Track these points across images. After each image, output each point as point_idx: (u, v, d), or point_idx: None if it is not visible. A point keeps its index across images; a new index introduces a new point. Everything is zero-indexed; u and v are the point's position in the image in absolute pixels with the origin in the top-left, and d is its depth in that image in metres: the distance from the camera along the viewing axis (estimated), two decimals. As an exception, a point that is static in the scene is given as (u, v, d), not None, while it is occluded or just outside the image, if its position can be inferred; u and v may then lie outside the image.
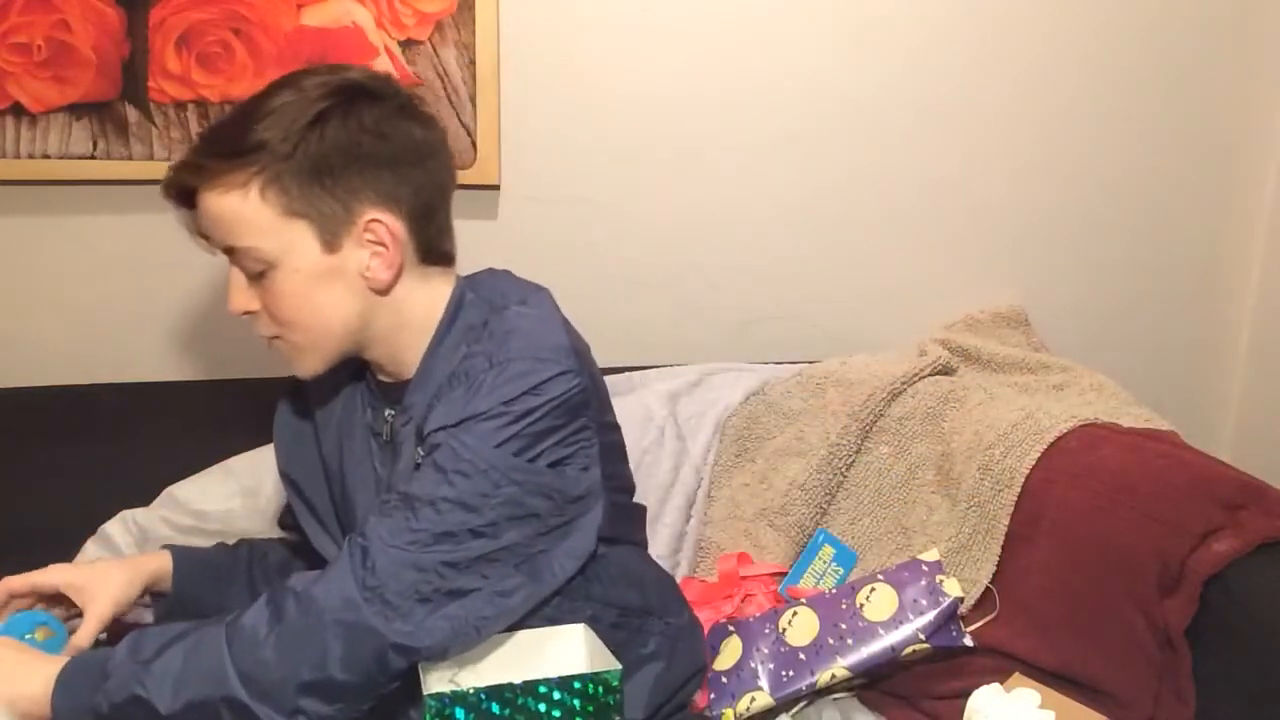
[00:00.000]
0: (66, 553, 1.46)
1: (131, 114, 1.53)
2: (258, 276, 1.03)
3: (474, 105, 1.58)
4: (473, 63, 1.56)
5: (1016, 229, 1.79)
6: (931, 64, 1.70)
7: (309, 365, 1.08)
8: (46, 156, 1.53)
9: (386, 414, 1.13)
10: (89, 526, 1.48)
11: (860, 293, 1.77)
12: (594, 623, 1.09)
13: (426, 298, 1.09)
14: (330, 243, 1.02)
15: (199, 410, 1.57)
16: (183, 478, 1.52)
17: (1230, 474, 1.30)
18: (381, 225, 1.03)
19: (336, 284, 1.04)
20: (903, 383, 1.56)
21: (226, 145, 1.00)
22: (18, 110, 1.51)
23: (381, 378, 1.14)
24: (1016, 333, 1.76)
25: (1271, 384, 1.86)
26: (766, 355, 1.74)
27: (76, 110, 1.52)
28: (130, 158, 1.54)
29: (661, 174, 1.69)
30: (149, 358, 1.62)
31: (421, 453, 1.02)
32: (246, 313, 1.06)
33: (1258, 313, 1.88)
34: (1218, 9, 1.75)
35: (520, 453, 0.99)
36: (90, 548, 1.46)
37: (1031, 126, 1.75)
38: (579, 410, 1.03)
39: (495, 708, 0.88)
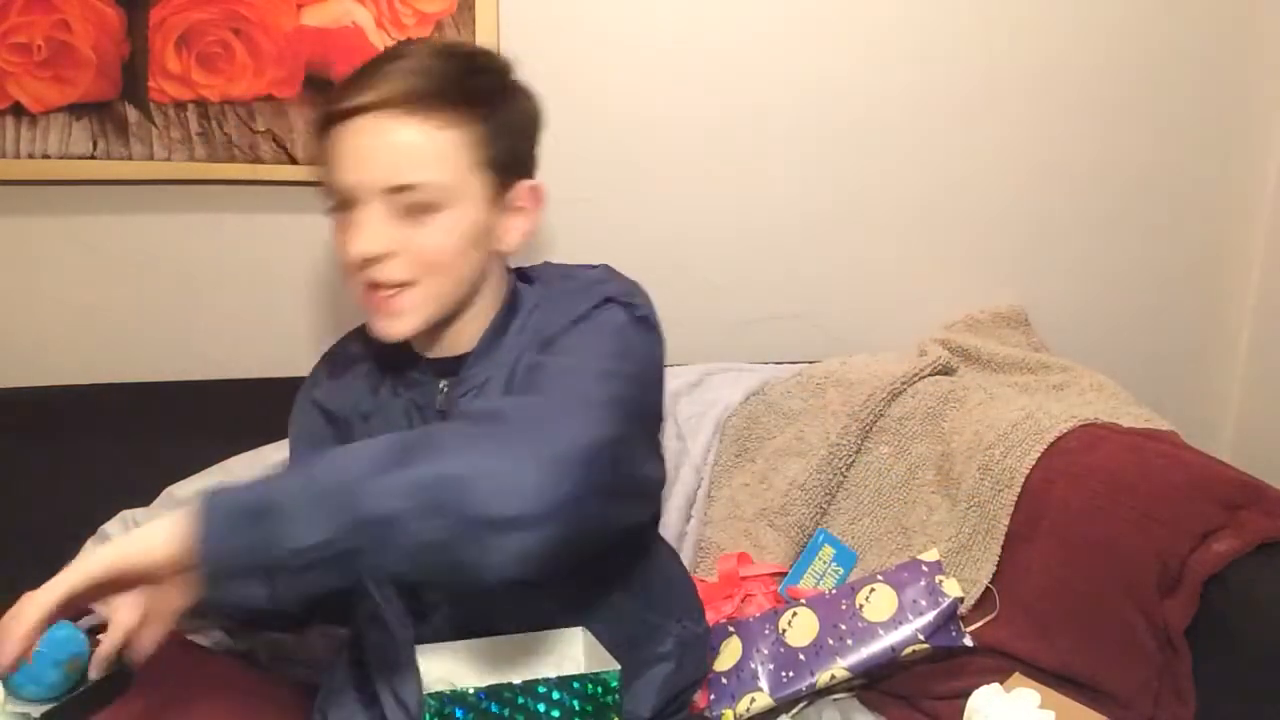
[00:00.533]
0: (66, 552, 1.46)
1: (131, 114, 1.53)
2: (416, 215, 1.01)
3: (474, 105, 1.58)
4: (473, 63, 1.56)
5: (1017, 229, 1.79)
6: (931, 67, 1.70)
7: (419, 318, 1.05)
8: (46, 156, 1.53)
9: (440, 386, 1.11)
10: (89, 526, 1.48)
11: (860, 293, 1.77)
12: (617, 607, 1.11)
13: (504, 272, 1.14)
14: (497, 200, 1.06)
15: (199, 410, 1.57)
16: (183, 478, 1.52)
17: (1230, 474, 1.30)
18: (539, 191, 1.10)
19: (483, 240, 1.07)
20: (903, 383, 1.56)
21: (459, 86, 1.02)
22: (18, 110, 1.51)
23: (429, 354, 1.13)
24: (1016, 333, 1.76)
25: (1271, 384, 1.86)
26: (766, 355, 1.74)
27: (76, 110, 1.52)
28: (130, 158, 1.54)
29: (661, 174, 1.68)
30: (149, 358, 1.62)
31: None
32: (373, 258, 1.02)
33: (1258, 313, 1.88)
34: (1217, 11, 1.75)
35: (631, 330, 1.05)
36: (90, 548, 1.46)
37: (1031, 128, 1.75)
38: (659, 338, 1.10)
39: (494, 707, 0.88)
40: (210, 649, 1.35)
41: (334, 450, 0.88)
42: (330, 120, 1.01)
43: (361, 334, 1.19)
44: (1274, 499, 1.25)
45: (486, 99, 1.04)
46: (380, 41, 1.54)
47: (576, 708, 0.89)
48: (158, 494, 1.51)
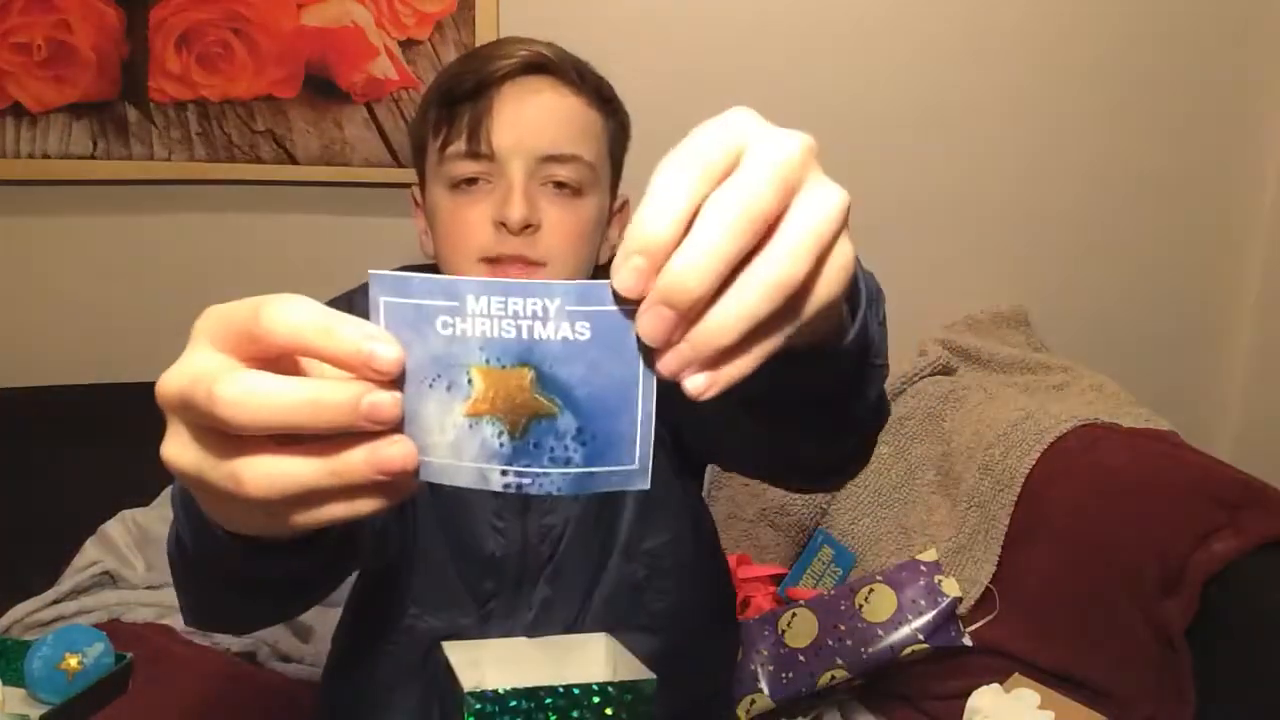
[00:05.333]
0: (66, 553, 1.46)
1: (131, 114, 1.53)
2: (560, 194, 0.95)
3: (474, 105, 1.58)
4: (473, 63, 1.56)
5: (1017, 229, 1.79)
6: (933, 66, 1.70)
7: None
8: (46, 156, 1.53)
9: None
10: (89, 526, 1.48)
11: (860, 293, 1.77)
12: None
13: None
14: (609, 203, 1.02)
15: (199, 410, 1.57)
16: (183, 478, 1.52)
17: (1230, 474, 1.30)
18: (629, 210, 1.04)
19: (596, 241, 1.01)
20: (903, 383, 1.56)
21: (596, 77, 1.01)
22: (18, 110, 1.51)
23: None
24: (1016, 333, 1.76)
25: (1271, 384, 1.86)
26: (766, 355, 1.74)
27: (76, 110, 1.52)
28: (130, 158, 1.54)
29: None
30: (149, 358, 1.62)
31: None
32: (528, 225, 0.94)
33: (1258, 313, 1.88)
34: (1217, 12, 1.75)
35: None
36: (90, 548, 1.46)
37: (1032, 128, 1.75)
38: None
39: (534, 709, 0.87)
40: (210, 648, 1.35)
41: None
42: (484, 82, 0.94)
43: None
44: (1274, 499, 1.25)
45: (612, 97, 1.02)
46: (380, 41, 1.54)
47: (611, 714, 0.88)
48: (158, 494, 1.51)
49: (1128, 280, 1.85)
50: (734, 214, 0.41)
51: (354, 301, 1.05)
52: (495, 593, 0.98)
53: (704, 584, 1.06)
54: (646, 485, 0.45)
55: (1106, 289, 1.84)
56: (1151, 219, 1.83)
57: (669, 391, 0.44)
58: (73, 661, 1.18)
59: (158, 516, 1.49)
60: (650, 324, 0.41)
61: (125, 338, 1.62)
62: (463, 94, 0.94)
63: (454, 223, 0.95)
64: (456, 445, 0.45)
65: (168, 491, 1.51)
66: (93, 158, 1.54)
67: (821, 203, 0.44)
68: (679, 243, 0.41)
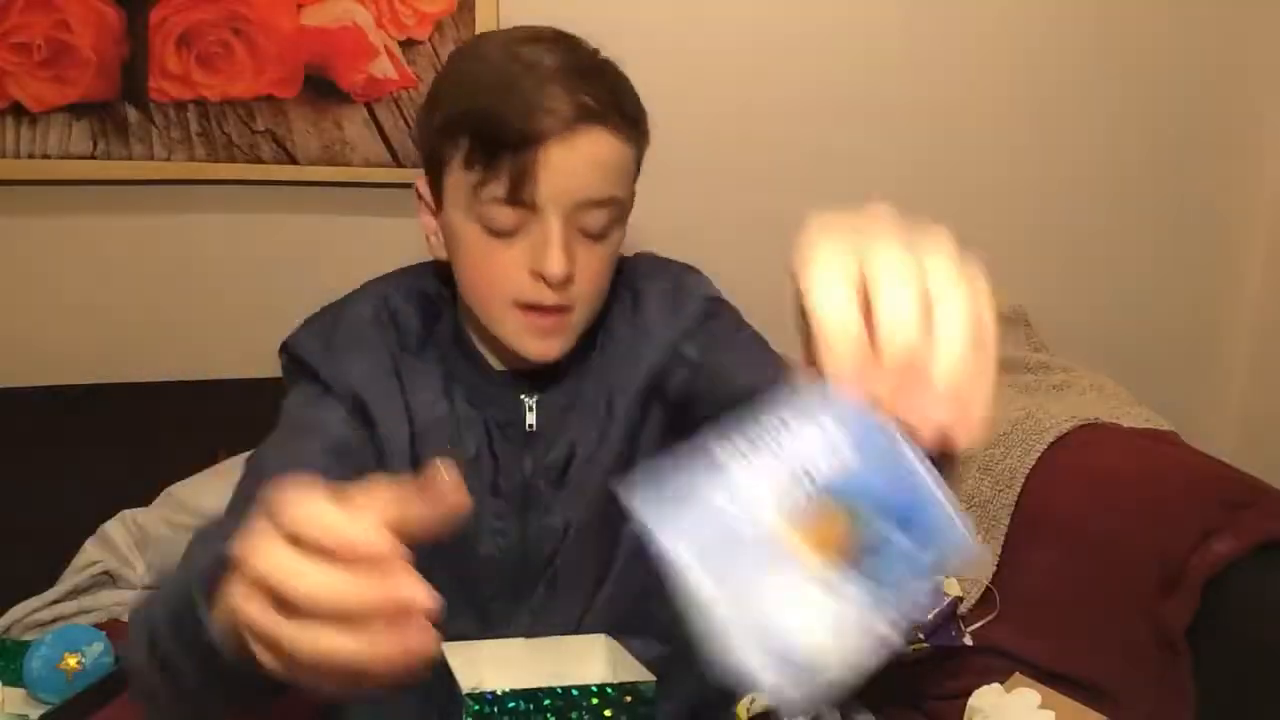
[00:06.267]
0: (66, 553, 1.46)
1: (131, 114, 1.53)
2: (591, 235, 0.94)
3: (474, 105, 1.58)
4: (473, 63, 1.56)
5: (1017, 230, 1.79)
6: (932, 65, 1.70)
7: (573, 339, 0.97)
8: (46, 156, 1.53)
9: (527, 403, 1.00)
10: (89, 526, 1.48)
11: (860, 293, 1.77)
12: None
13: None
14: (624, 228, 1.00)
15: (199, 410, 1.57)
16: (183, 478, 1.52)
17: (1230, 474, 1.30)
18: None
19: (614, 268, 1.00)
20: (903, 383, 1.56)
21: (635, 103, 1.00)
22: (18, 110, 1.51)
23: (502, 364, 1.02)
24: (1016, 333, 1.76)
25: (1271, 384, 1.86)
26: (766, 355, 1.74)
27: (76, 110, 1.52)
28: (130, 158, 1.54)
29: (661, 175, 1.67)
30: (149, 358, 1.62)
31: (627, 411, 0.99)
32: (566, 279, 0.93)
33: (1258, 312, 1.88)
34: (1216, 12, 1.75)
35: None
36: (90, 548, 1.46)
37: (1032, 128, 1.75)
38: None
39: (533, 711, 0.86)
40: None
41: None
42: (529, 136, 0.89)
43: (398, 316, 1.01)
44: (1274, 499, 1.25)
45: (642, 119, 1.00)
46: (380, 41, 1.54)
47: (610, 715, 0.88)
48: (158, 494, 1.51)
49: (1127, 280, 1.85)
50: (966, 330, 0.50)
51: (340, 315, 1.03)
52: (494, 596, 0.97)
53: None
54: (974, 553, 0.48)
55: (1106, 289, 1.85)
56: (1151, 219, 1.83)
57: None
58: (72, 661, 1.18)
59: (158, 517, 1.49)
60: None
61: (125, 338, 1.62)
62: (506, 142, 0.90)
63: (487, 265, 0.93)
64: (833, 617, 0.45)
65: (167, 491, 1.52)
66: (93, 158, 1.54)
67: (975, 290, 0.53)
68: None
